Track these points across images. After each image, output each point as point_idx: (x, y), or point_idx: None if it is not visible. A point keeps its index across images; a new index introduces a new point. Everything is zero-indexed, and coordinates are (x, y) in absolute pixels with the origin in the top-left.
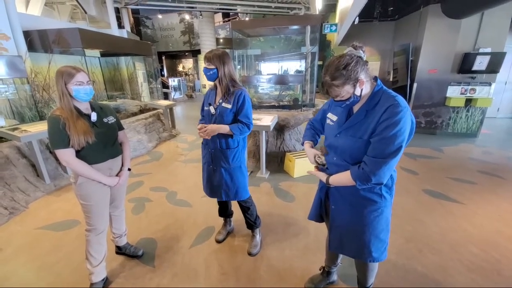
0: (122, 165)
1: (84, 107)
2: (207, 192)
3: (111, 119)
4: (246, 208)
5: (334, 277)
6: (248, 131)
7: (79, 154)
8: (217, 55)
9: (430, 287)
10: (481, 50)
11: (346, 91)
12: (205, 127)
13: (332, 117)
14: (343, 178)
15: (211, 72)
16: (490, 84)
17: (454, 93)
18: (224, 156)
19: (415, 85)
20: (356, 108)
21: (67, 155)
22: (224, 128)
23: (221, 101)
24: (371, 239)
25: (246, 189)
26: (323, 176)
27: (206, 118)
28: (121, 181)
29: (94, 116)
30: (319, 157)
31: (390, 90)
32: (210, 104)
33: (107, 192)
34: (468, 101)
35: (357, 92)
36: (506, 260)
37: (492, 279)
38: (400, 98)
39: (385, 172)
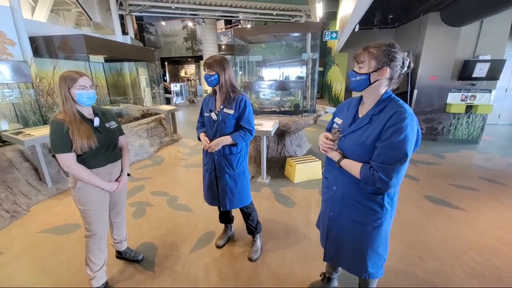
0: (122, 170)
1: (87, 112)
2: (207, 200)
3: (112, 124)
4: (248, 214)
5: (335, 283)
6: (250, 137)
7: (79, 158)
8: (217, 60)
9: None
10: (480, 57)
11: (370, 64)
12: (209, 144)
13: (338, 120)
14: (352, 168)
15: (212, 78)
16: (490, 91)
17: (455, 99)
18: (228, 162)
19: (415, 91)
20: (362, 113)
21: (68, 160)
22: (227, 140)
23: (222, 107)
24: (368, 252)
25: (249, 194)
26: (336, 156)
27: (208, 124)
28: (120, 186)
29: (96, 121)
30: (338, 130)
31: (398, 98)
32: (211, 111)
33: (106, 197)
34: (469, 108)
35: (373, 76)
36: (507, 267)
37: (493, 286)
38: (407, 106)
39: (398, 180)
